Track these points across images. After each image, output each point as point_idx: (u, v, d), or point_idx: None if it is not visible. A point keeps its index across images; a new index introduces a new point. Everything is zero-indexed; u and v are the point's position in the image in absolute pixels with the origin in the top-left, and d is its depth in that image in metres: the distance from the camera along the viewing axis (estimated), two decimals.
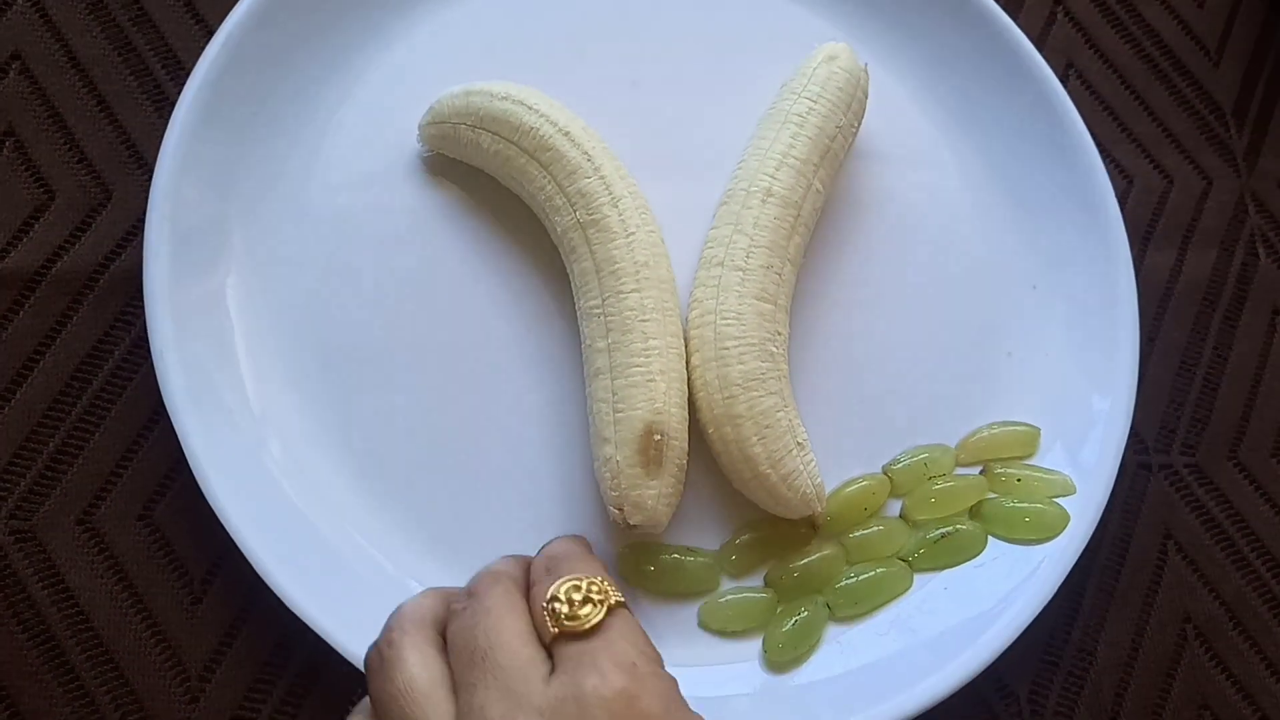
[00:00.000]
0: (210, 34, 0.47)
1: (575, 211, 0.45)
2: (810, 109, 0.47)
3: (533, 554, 0.39)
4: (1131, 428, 0.48)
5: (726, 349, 0.44)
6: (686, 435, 0.43)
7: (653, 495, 0.42)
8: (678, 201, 0.48)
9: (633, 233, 0.44)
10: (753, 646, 0.44)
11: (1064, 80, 0.54)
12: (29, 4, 0.48)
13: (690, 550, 0.45)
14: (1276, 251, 0.55)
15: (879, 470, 0.47)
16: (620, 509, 0.42)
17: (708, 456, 0.45)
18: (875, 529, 0.46)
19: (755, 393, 0.44)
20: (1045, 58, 0.53)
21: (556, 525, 0.45)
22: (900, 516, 0.47)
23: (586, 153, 0.45)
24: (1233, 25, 0.58)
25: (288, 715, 0.42)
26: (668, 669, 0.43)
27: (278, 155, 0.47)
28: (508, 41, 0.51)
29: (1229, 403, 0.52)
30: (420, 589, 0.42)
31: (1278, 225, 0.55)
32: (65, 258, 0.45)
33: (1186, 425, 0.51)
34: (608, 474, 0.43)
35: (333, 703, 0.42)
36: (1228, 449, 0.51)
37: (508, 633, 0.33)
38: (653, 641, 0.43)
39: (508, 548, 0.40)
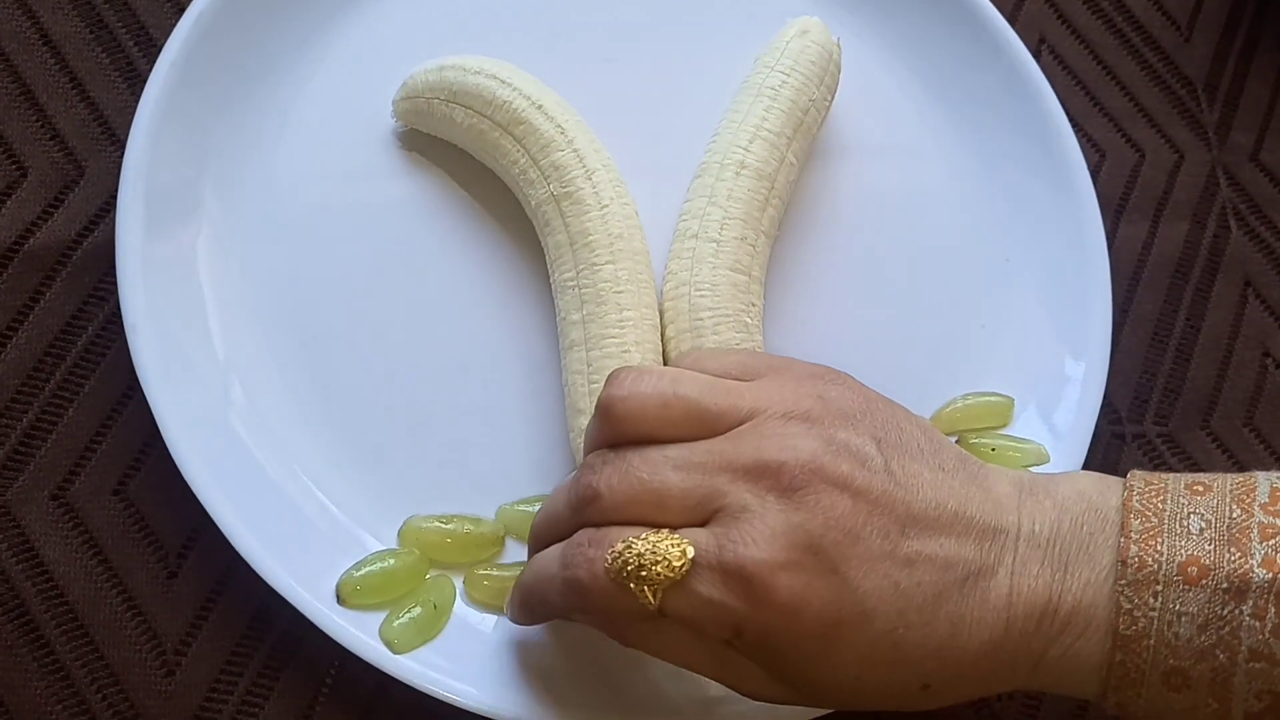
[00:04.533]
0: (182, 10, 0.47)
1: (549, 184, 0.45)
2: (783, 82, 0.48)
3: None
4: (1105, 398, 0.48)
5: (701, 320, 0.44)
6: None
7: None
8: (652, 175, 0.48)
9: (607, 205, 0.44)
10: None
11: (1036, 55, 0.54)
12: None
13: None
14: (1248, 224, 0.55)
15: None
16: None
17: None
18: None
19: None
20: (1017, 33, 0.53)
21: (531, 495, 0.45)
22: None
23: (560, 126, 0.45)
24: (1203, 0, 0.59)
25: (264, 688, 0.42)
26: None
27: (251, 129, 0.47)
28: (483, 17, 0.51)
29: (1201, 372, 0.52)
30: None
31: (1249, 198, 0.56)
32: (38, 234, 0.45)
33: (1159, 395, 0.52)
34: (582, 445, 0.43)
35: (309, 675, 0.42)
36: (1200, 418, 0.52)
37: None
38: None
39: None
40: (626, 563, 0.34)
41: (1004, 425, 0.49)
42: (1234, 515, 0.35)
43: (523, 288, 0.47)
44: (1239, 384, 0.52)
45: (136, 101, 0.45)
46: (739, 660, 0.36)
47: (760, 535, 0.34)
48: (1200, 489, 0.36)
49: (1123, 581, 0.34)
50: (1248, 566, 0.33)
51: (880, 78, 0.54)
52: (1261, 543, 0.34)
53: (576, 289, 0.44)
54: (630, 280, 0.44)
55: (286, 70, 0.48)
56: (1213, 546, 0.34)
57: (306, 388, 0.45)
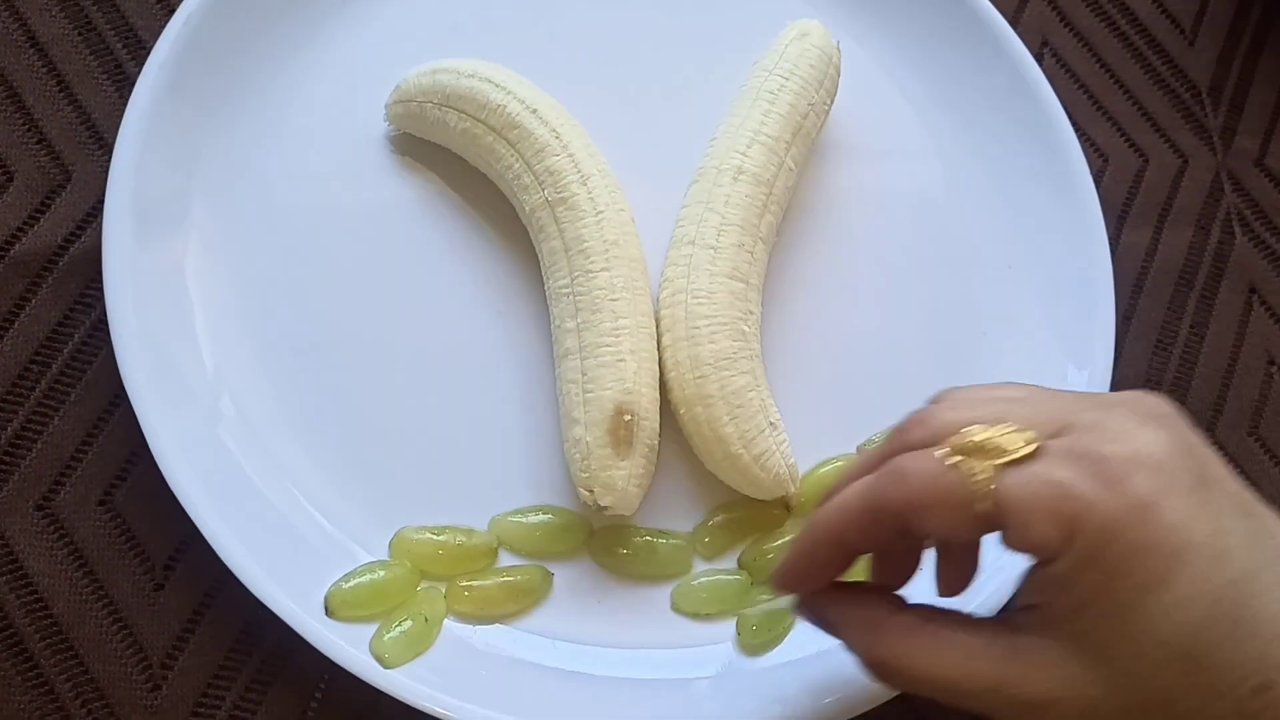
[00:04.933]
0: (171, 12, 0.46)
1: (543, 190, 0.44)
2: (782, 86, 0.47)
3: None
4: None
5: (698, 328, 0.43)
6: (658, 416, 0.43)
7: (623, 476, 0.42)
8: (649, 180, 0.47)
9: (602, 211, 0.44)
10: (727, 629, 0.44)
11: (1039, 59, 0.53)
12: None
13: (663, 533, 0.44)
14: (1252, 230, 0.55)
15: (853, 451, 0.47)
16: (590, 491, 0.42)
17: (680, 438, 0.45)
18: None
19: (727, 372, 0.43)
20: (1020, 36, 0.52)
21: (524, 505, 0.44)
22: None
23: (554, 130, 0.45)
24: (1208, 4, 0.58)
25: (252, 702, 0.41)
26: (641, 653, 0.42)
27: (241, 133, 0.47)
28: (476, 20, 0.50)
29: (1205, 381, 0.52)
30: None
31: (1254, 204, 0.55)
32: (24, 239, 0.45)
33: None
34: (578, 455, 0.42)
35: (298, 690, 0.41)
36: (1205, 427, 0.51)
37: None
38: (625, 625, 0.43)
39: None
40: (967, 439, 0.31)
41: None
42: None
43: (517, 295, 0.47)
44: (1244, 393, 0.52)
45: (125, 105, 0.44)
46: (1032, 645, 0.31)
47: (1122, 435, 0.30)
48: None
49: None
50: None
51: (880, 81, 0.53)
52: None
53: (571, 296, 0.43)
54: (626, 287, 0.43)
55: (277, 73, 0.48)
56: None
57: (295, 397, 0.44)
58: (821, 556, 0.35)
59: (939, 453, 0.31)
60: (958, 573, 0.37)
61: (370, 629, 0.41)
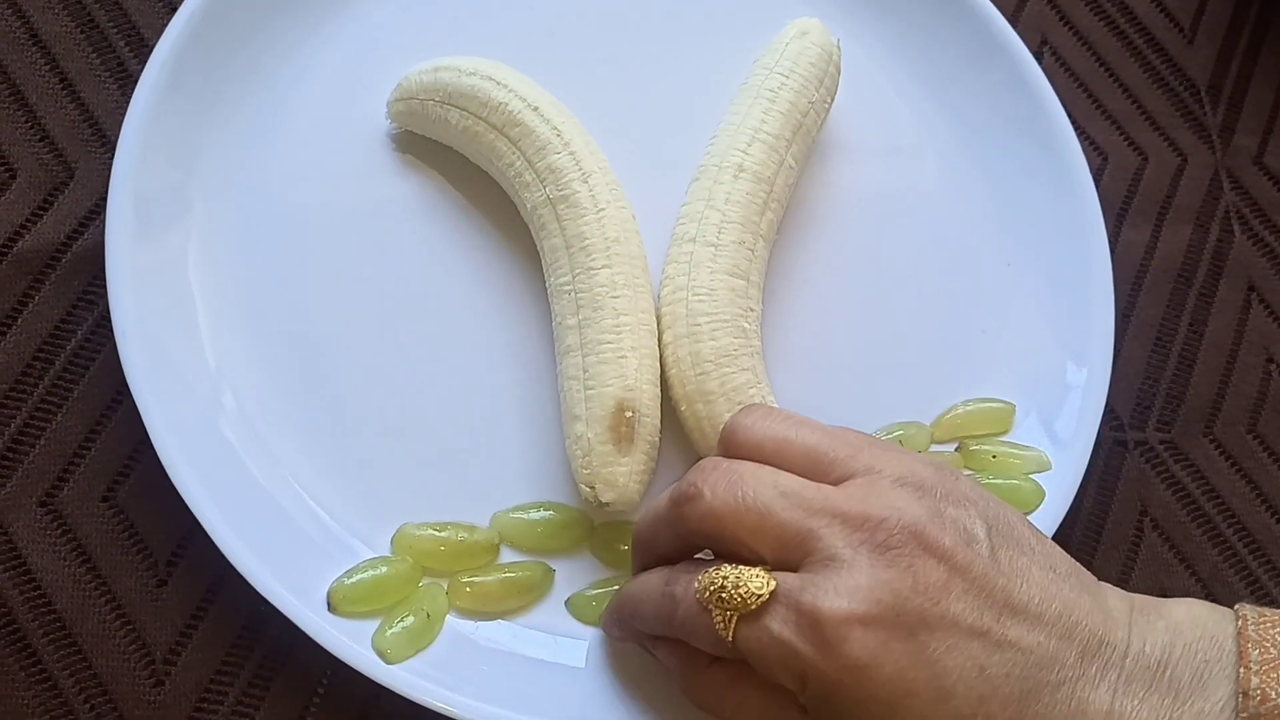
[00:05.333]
0: (173, 10, 0.46)
1: (545, 187, 0.44)
2: (782, 84, 0.47)
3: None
4: (1107, 405, 0.48)
5: (699, 325, 0.43)
6: (659, 412, 0.43)
7: (624, 473, 0.42)
8: (650, 177, 0.47)
9: (603, 208, 0.44)
10: None
11: (1038, 57, 0.54)
12: None
13: None
14: (1251, 228, 0.55)
15: None
16: (592, 487, 0.42)
17: (681, 434, 0.45)
18: None
19: (728, 369, 0.43)
20: (1019, 34, 0.52)
21: (526, 502, 0.44)
22: None
23: (556, 128, 0.45)
24: (1207, 2, 0.58)
25: (255, 698, 0.41)
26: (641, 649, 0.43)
27: (243, 130, 0.47)
28: (478, 18, 0.50)
29: (1204, 379, 0.52)
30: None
31: (1253, 202, 0.55)
32: (27, 237, 0.45)
33: (1162, 402, 0.51)
34: (579, 452, 0.42)
35: (301, 685, 0.41)
36: (1203, 425, 0.51)
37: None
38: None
39: None
40: (713, 583, 0.34)
41: (1005, 432, 0.48)
42: None
43: (518, 292, 0.47)
44: (1242, 390, 0.52)
45: (127, 102, 0.44)
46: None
47: (843, 586, 0.33)
48: None
49: (1244, 715, 0.32)
50: None
51: (880, 79, 0.53)
52: None
53: (573, 293, 0.43)
54: (627, 285, 0.43)
55: (279, 71, 0.48)
56: None
57: (297, 393, 0.44)
58: (635, 629, 0.39)
59: (697, 591, 0.35)
60: None
61: (372, 625, 0.41)
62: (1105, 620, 0.34)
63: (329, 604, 0.41)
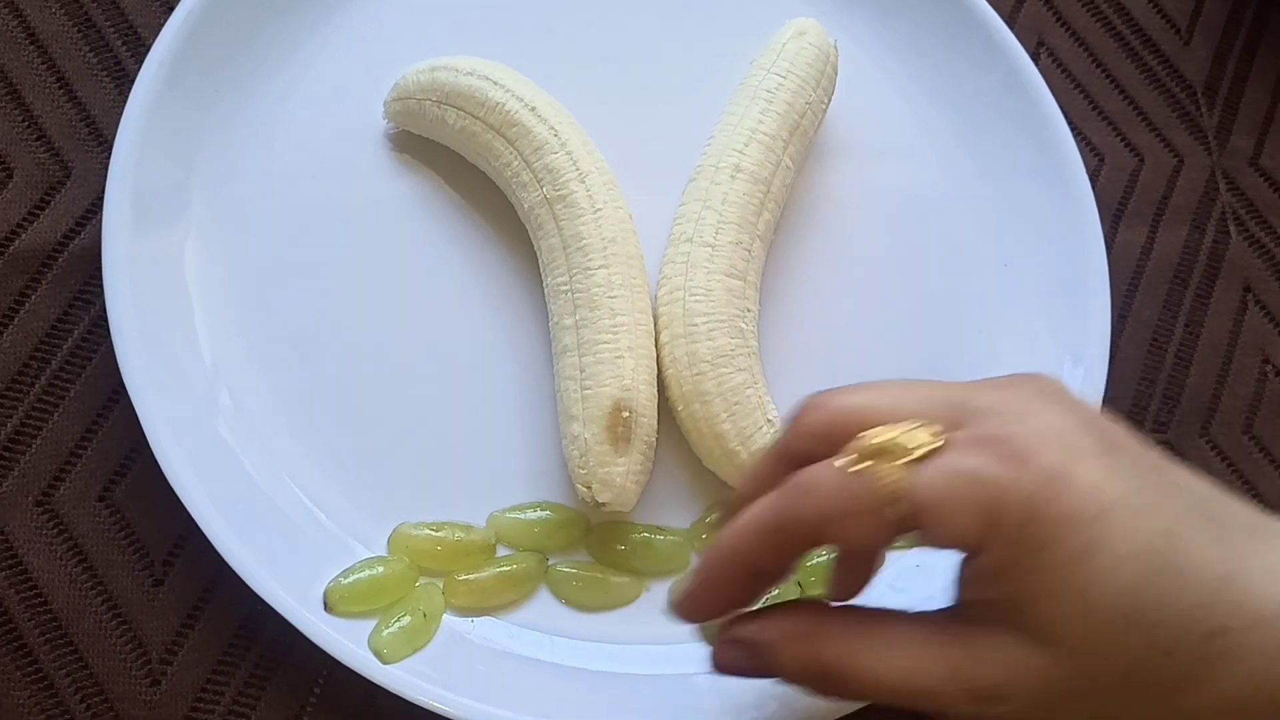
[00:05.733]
0: (170, 9, 0.46)
1: (542, 187, 0.44)
2: (779, 84, 0.47)
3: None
4: (1103, 405, 0.48)
5: (695, 325, 0.44)
6: (655, 412, 0.43)
7: (621, 473, 0.42)
8: (647, 178, 0.47)
9: (600, 208, 0.44)
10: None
11: (1035, 58, 0.54)
12: None
13: (660, 529, 0.45)
14: (1247, 229, 0.55)
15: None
16: (588, 487, 0.42)
17: (678, 434, 0.45)
18: None
19: (725, 369, 0.43)
20: (1016, 35, 0.52)
21: (522, 502, 0.44)
22: None
23: (553, 128, 0.45)
24: (1203, 3, 0.58)
25: (251, 697, 0.41)
26: (639, 648, 0.43)
27: (240, 130, 0.47)
28: (475, 18, 0.50)
29: (1200, 380, 0.52)
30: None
31: (1249, 203, 0.55)
32: (23, 236, 0.45)
33: (1158, 402, 0.51)
34: (575, 452, 0.42)
35: (297, 685, 0.41)
36: (1200, 426, 0.51)
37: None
38: (623, 620, 0.44)
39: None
40: (867, 443, 0.30)
41: None
42: None
43: (515, 292, 0.47)
44: (1238, 391, 0.52)
45: (124, 101, 0.44)
46: (980, 633, 0.30)
47: (1021, 413, 0.30)
48: None
49: None
50: None
51: (878, 80, 0.53)
52: None
53: (569, 293, 0.43)
54: (624, 285, 0.43)
55: (276, 71, 0.48)
56: None
57: (294, 392, 0.44)
58: (728, 582, 0.33)
59: (841, 461, 0.30)
60: (854, 577, 0.36)
61: (369, 624, 0.41)
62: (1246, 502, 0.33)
63: (325, 604, 0.41)
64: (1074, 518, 0.29)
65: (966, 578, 0.31)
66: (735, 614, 0.34)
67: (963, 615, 0.32)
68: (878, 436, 0.30)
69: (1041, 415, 0.31)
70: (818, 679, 0.32)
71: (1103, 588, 0.29)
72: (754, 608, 0.34)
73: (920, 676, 0.31)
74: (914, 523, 0.30)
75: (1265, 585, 0.29)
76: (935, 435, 0.30)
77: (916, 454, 0.30)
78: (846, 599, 0.35)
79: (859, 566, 0.35)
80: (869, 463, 0.30)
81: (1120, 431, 0.32)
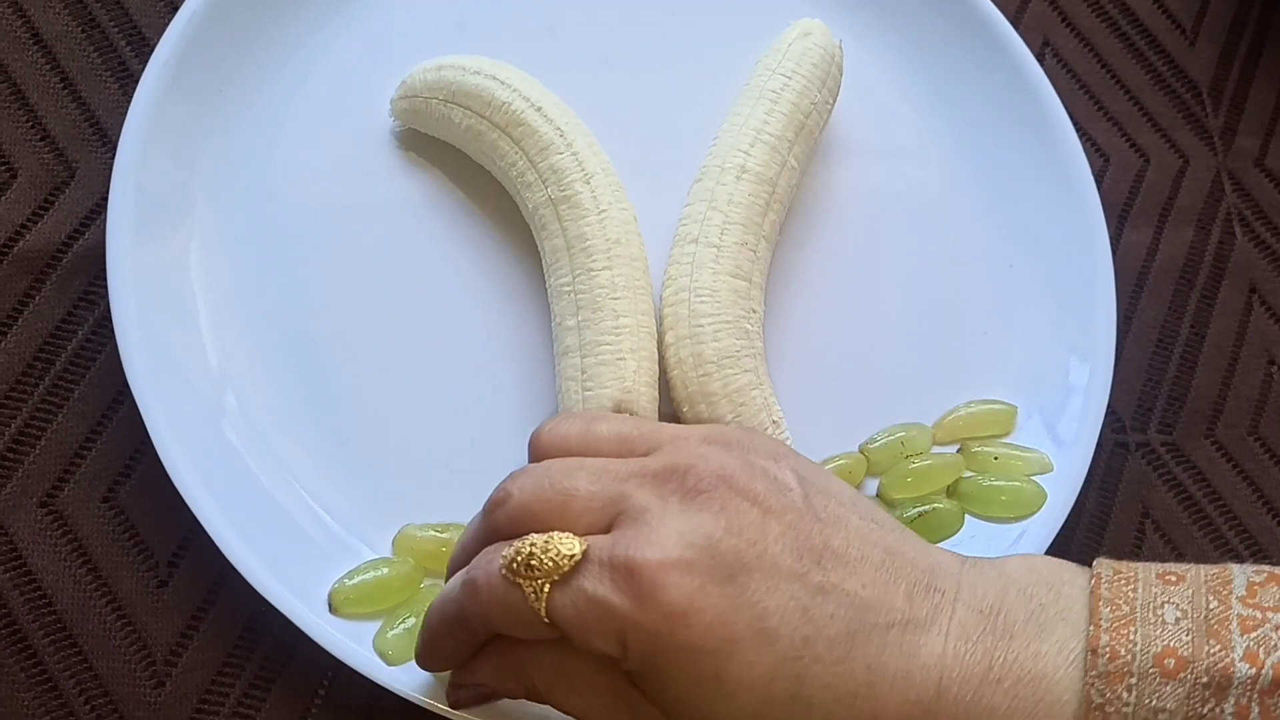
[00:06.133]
0: (175, 9, 0.46)
1: (547, 188, 0.44)
2: (785, 85, 0.47)
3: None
4: (1109, 406, 0.48)
5: (701, 326, 0.43)
6: (656, 414, 0.43)
7: None
8: (652, 178, 0.47)
9: (605, 209, 0.44)
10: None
11: (1040, 58, 0.54)
12: None
13: None
14: (1253, 230, 0.55)
15: (855, 449, 0.47)
16: None
17: None
18: None
19: (730, 370, 0.43)
20: (1021, 35, 0.52)
21: None
22: (877, 495, 0.46)
23: (559, 128, 0.45)
24: (1209, 3, 0.58)
25: (256, 699, 0.41)
26: None
27: (245, 129, 0.47)
28: (481, 18, 0.50)
29: (1206, 381, 0.52)
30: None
31: (1254, 204, 0.55)
32: (27, 237, 0.45)
33: (1164, 404, 0.51)
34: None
35: (302, 687, 0.41)
36: (1205, 427, 0.51)
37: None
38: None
39: None
40: (519, 553, 0.33)
41: (1007, 434, 0.48)
42: (1211, 606, 0.31)
43: (519, 292, 0.47)
44: (1244, 392, 0.52)
45: (128, 102, 0.44)
46: (639, 705, 0.33)
47: (655, 535, 0.32)
48: (1173, 579, 0.33)
49: (1093, 673, 0.31)
50: (1229, 660, 0.30)
51: (883, 80, 0.53)
52: (1242, 635, 0.31)
53: (572, 294, 0.43)
54: (627, 286, 0.43)
55: (282, 69, 0.48)
56: (1190, 638, 0.31)
57: (299, 393, 0.44)
58: (447, 645, 0.36)
59: (502, 567, 0.33)
60: None
61: (374, 626, 0.41)
62: (933, 568, 0.33)
63: (330, 605, 0.41)
64: (697, 649, 0.31)
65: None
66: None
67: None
68: (527, 548, 0.33)
69: (681, 532, 0.32)
70: (531, 698, 0.36)
71: (725, 711, 0.31)
72: None
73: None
74: (559, 630, 0.33)
75: (893, 692, 0.31)
76: (572, 555, 0.32)
77: (559, 572, 0.32)
78: None
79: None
80: (520, 576, 0.33)
81: (777, 532, 0.33)
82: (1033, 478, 0.46)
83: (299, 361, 0.45)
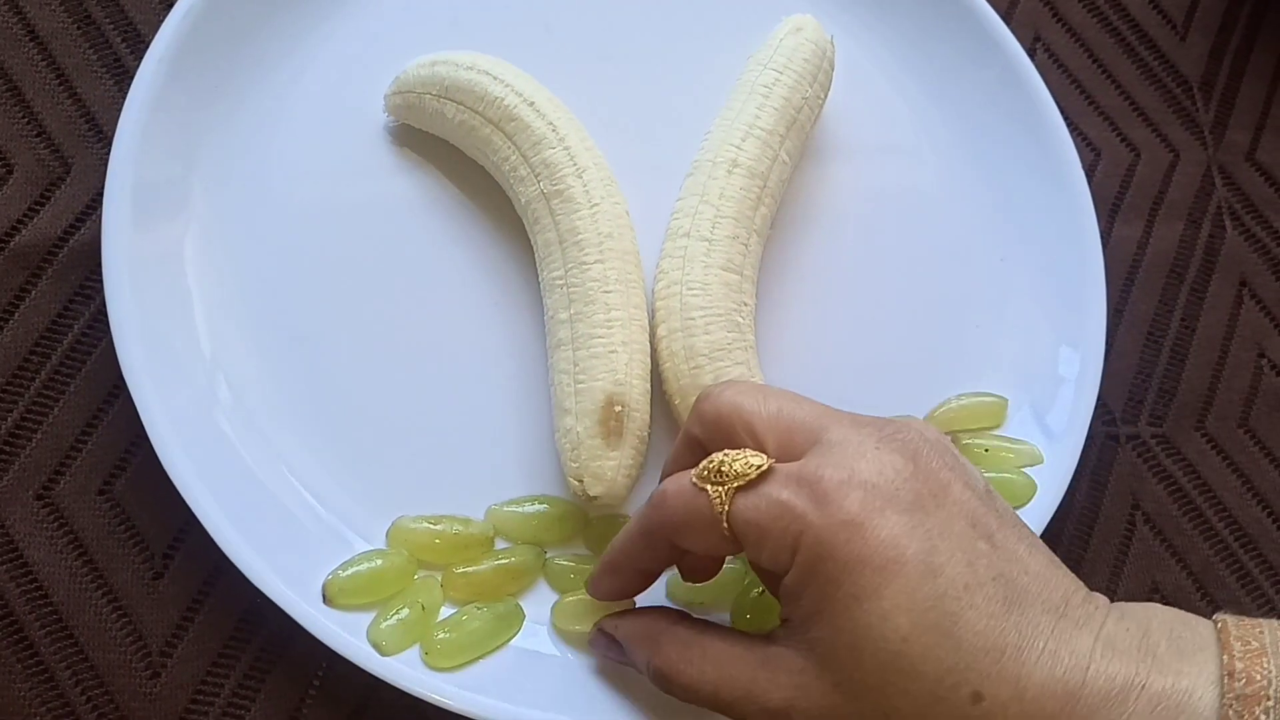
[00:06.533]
0: (170, 5, 0.46)
1: (539, 182, 0.44)
2: (776, 80, 0.47)
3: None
4: (1099, 399, 0.48)
5: (693, 319, 0.44)
6: (649, 407, 0.43)
7: (612, 467, 0.42)
8: (645, 172, 0.48)
9: (597, 204, 0.44)
10: (722, 618, 0.44)
11: (1031, 54, 0.54)
12: None
13: None
14: (1243, 224, 0.55)
15: None
16: (580, 481, 0.42)
17: (676, 429, 0.45)
18: None
19: (722, 363, 0.43)
20: (1012, 31, 0.53)
21: (519, 495, 0.45)
22: None
23: (551, 123, 0.45)
24: None
25: (251, 689, 0.41)
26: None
27: (240, 125, 0.47)
28: (474, 14, 0.51)
29: (1197, 373, 0.52)
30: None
31: (1245, 198, 0.55)
32: (24, 231, 0.45)
33: (1154, 396, 0.51)
34: (568, 445, 0.42)
35: (297, 677, 0.42)
36: (1195, 420, 0.51)
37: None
38: (621, 614, 0.44)
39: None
40: (710, 462, 0.35)
41: (998, 426, 0.48)
42: None
43: (512, 285, 0.47)
44: (1234, 385, 0.52)
45: (124, 97, 0.45)
46: (779, 654, 0.34)
47: (847, 459, 0.33)
48: None
49: (1230, 695, 0.31)
50: None
51: (874, 76, 0.53)
52: None
53: (565, 288, 0.43)
54: (619, 280, 0.43)
55: (276, 65, 0.48)
56: None
57: (293, 386, 0.45)
58: (622, 573, 0.39)
59: (693, 476, 0.35)
60: (703, 569, 0.41)
61: (368, 617, 0.41)
62: (1084, 590, 0.35)
63: (325, 596, 0.41)
64: (862, 563, 0.32)
65: (779, 595, 0.35)
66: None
67: (774, 635, 0.35)
68: (716, 459, 0.35)
69: (873, 460, 0.33)
70: (655, 679, 0.37)
71: (875, 631, 0.32)
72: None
73: (727, 690, 0.35)
74: (737, 539, 0.34)
75: (1041, 665, 0.32)
76: (760, 466, 0.34)
77: (746, 479, 0.34)
78: (700, 583, 0.41)
79: (709, 563, 0.40)
80: (708, 484, 0.35)
81: (961, 487, 0.34)
82: (1023, 470, 0.47)
83: (294, 355, 0.45)
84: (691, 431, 0.38)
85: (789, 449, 0.35)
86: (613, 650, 0.40)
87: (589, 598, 0.41)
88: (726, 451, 0.35)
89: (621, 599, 0.41)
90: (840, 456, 0.34)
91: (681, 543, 0.36)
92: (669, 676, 0.37)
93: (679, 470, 0.37)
